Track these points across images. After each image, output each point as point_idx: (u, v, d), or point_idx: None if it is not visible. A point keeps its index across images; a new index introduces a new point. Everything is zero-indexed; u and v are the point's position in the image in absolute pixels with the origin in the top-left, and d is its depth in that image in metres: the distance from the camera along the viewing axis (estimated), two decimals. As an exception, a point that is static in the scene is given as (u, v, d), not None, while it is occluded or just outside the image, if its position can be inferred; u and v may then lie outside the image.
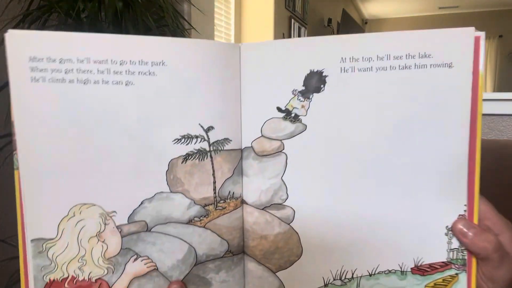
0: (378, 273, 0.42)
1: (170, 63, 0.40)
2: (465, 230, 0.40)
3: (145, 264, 0.43)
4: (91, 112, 0.40)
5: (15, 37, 0.38)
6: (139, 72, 0.40)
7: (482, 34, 0.38)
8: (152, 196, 0.42)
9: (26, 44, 0.38)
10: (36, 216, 0.41)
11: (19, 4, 0.89)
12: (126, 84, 0.40)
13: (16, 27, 0.82)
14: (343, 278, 0.42)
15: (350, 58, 0.39)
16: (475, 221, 0.40)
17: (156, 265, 0.43)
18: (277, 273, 0.43)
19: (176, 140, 0.41)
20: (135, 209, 0.42)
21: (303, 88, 0.40)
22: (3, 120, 0.85)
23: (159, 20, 1.19)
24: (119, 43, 0.39)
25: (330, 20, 4.39)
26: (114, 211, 0.42)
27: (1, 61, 0.84)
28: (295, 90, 0.41)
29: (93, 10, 1.01)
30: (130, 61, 0.39)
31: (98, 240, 0.42)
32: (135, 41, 0.40)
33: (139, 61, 0.39)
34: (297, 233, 0.42)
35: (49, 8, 0.98)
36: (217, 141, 0.42)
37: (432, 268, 0.42)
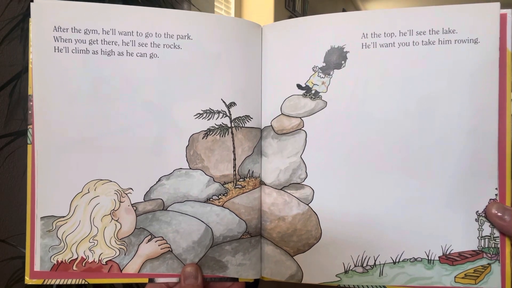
0: (403, 260, 0.40)
1: (195, 37, 0.40)
2: (500, 213, 0.38)
3: (159, 245, 0.42)
4: (112, 84, 0.40)
5: (40, 6, 0.39)
6: (164, 45, 0.40)
7: (508, 12, 0.38)
8: (171, 173, 0.41)
9: (52, 13, 0.39)
10: (49, 192, 0.40)
11: (19, 4, 0.90)
12: (150, 57, 0.40)
13: (16, 27, 0.83)
14: (364, 264, 0.40)
15: (371, 34, 0.39)
16: (508, 204, 0.38)
17: (170, 247, 0.41)
18: (294, 257, 0.41)
19: (198, 115, 0.41)
20: (152, 186, 0.41)
21: (324, 64, 0.40)
22: (3, 120, 0.85)
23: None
24: (145, 15, 0.40)
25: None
26: (131, 188, 0.41)
27: (1, 61, 0.86)
28: (316, 66, 0.40)
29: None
30: (156, 33, 0.40)
31: (112, 218, 0.41)
32: (161, 13, 0.40)
33: (164, 34, 0.40)
34: (316, 214, 0.41)
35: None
36: (238, 117, 0.41)
37: (462, 257, 0.39)
